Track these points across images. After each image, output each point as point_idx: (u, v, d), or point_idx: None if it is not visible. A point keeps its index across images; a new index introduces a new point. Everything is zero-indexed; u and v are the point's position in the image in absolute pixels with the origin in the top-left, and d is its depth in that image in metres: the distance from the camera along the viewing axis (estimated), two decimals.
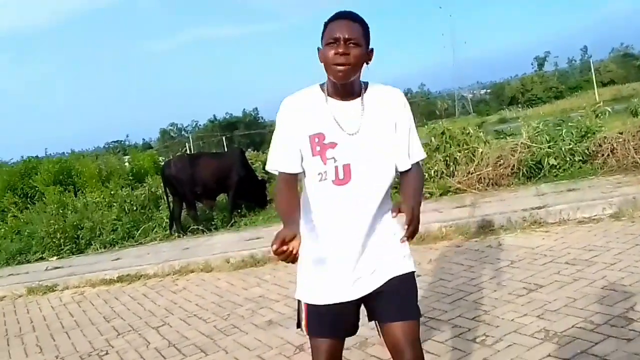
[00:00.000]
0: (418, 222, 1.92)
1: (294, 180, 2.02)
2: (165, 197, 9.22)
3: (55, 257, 9.23)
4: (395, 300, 2.03)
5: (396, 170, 2.05)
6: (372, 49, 1.97)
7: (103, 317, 5.52)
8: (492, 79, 67.40)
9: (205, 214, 9.30)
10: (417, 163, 2.07)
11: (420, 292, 4.23)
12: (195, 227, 8.74)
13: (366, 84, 2.03)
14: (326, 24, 1.94)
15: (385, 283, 2.02)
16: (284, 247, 1.75)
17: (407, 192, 2.02)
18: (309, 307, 2.07)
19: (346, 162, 1.94)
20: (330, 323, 2.05)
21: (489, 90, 63.36)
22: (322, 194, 1.99)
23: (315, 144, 1.96)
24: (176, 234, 8.76)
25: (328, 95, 1.99)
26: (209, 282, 6.07)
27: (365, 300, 2.06)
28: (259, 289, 5.38)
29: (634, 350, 2.84)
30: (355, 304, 2.06)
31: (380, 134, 1.98)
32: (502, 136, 9.07)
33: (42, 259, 9.38)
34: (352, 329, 2.14)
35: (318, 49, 1.97)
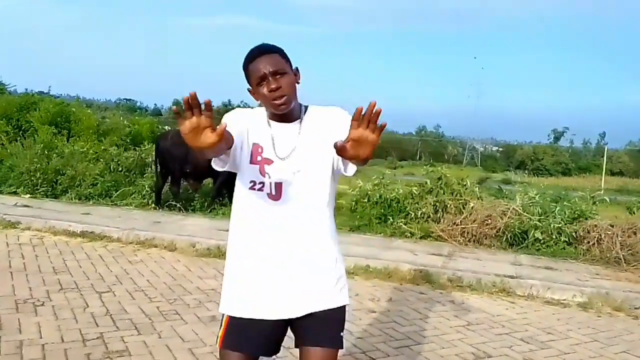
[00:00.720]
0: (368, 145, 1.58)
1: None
2: (154, 167, 9.10)
3: (28, 195, 9.13)
4: (318, 327, 1.96)
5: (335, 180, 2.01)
6: (296, 68, 1.96)
7: (52, 267, 5.40)
8: (506, 139, 67.65)
9: (186, 194, 9.19)
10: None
11: (370, 330, 4.17)
12: (174, 203, 8.63)
13: (306, 107, 2.02)
14: (246, 66, 1.92)
15: (316, 312, 1.94)
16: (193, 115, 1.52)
17: None
18: (231, 319, 1.98)
19: (278, 181, 1.94)
20: (248, 338, 1.96)
21: (500, 149, 63.57)
22: (256, 204, 1.95)
23: (257, 153, 1.96)
24: (153, 206, 8.64)
25: (269, 118, 1.99)
26: (168, 261, 5.94)
27: (291, 322, 1.97)
28: (214, 281, 5.26)
29: None
30: (279, 325, 1.97)
31: (314, 156, 1.95)
32: (500, 196, 8.97)
33: (15, 193, 9.26)
34: (269, 350, 2.02)
35: (248, 90, 1.96)
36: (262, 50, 1.91)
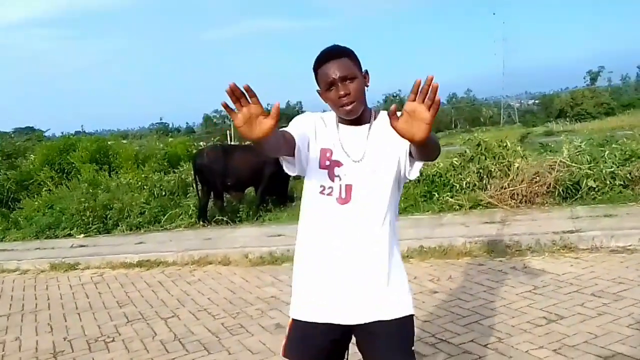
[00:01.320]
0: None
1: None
2: (194, 186, 9.23)
3: (82, 235, 9.37)
4: (388, 343, 1.90)
5: (401, 184, 2.00)
6: (366, 71, 1.95)
7: (116, 301, 5.53)
8: (541, 90, 65.91)
9: (231, 206, 9.28)
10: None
11: (434, 311, 4.11)
12: (220, 217, 8.73)
13: (377, 112, 2.02)
14: (316, 69, 1.92)
15: (382, 321, 1.89)
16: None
17: None
18: (295, 324, 1.96)
19: (349, 183, 1.92)
20: (312, 346, 1.93)
21: (537, 101, 62.18)
22: (325, 209, 1.94)
23: (326, 158, 1.95)
24: (201, 223, 8.76)
25: (339, 122, 1.99)
26: (224, 276, 6.01)
27: (357, 331, 1.93)
28: (273, 288, 5.30)
29: None
30: (344, 332, 1.93)
31: (382, 161, 1.93)
32: (544, 150, 8.72)
33: (69, 235, 9.53)
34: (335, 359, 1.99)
35: (318, 91, 1.96)
36: (332, 54, 1.90)
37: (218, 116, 64.69)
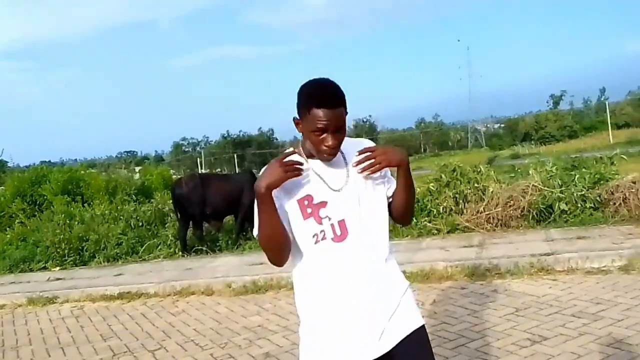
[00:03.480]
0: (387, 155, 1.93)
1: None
2: (175, 215, 9.20)
3: (58, 268, 9.22)
4: (410, 354, 1.92)
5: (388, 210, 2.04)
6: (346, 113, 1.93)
7: (100, 335, 5.48)
8: (506, 114, 67.44)
9: (210, 235, 9.27)
10: None
11: None
12: (200, 247, 8.72)
13: None
14: (307, 104, 1.85)
15: (399, 344, 1.91)
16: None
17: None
18: None
19: (340, 218, 1.91)
20: None
21: (502, 125, 63.42)
22: (322, 254, 1.91)
23: (305, 207, 1.91)
24: (180, 254, 8.73)
25: (307, 156, 1.96)
26: (208, 306, 6.01)
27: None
28: (259, 317, 5.32)
29: None
30: None
31: (365, 185, 1.96)
32: (515, 173, 8.96)
33: (45, 268, 9.38)
34: None
35: (294, 120, 1.92)
36: (332, 102, 1.85)
37: (187, 143, 64.33)
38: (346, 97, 1.90)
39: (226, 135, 57.59)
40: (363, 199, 1.94)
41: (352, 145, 1.99)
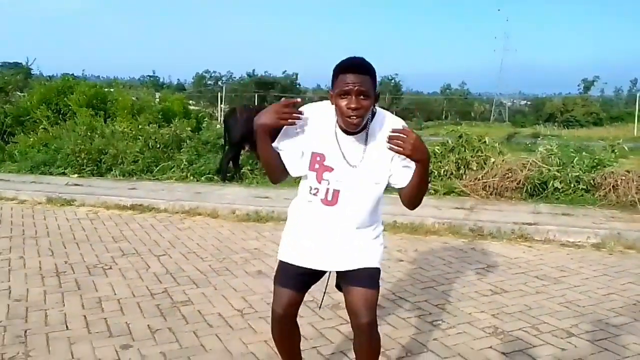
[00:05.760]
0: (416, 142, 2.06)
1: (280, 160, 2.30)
2: (224, 141, 9.51)
3: (76, 175, 9.79)
4: (359, 274, 2.33)
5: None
6: (378, 93, 2.15)
7: (112, 237, 6.02)
8: (534, 92, 66.56)
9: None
10: None
11: (397, 275, 4.70)
12: (234, 172, 9.28)
13: (374, 113, 2.20)
14: (337, 72, 2.10)
15: (352, 269, 2.31)
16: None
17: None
18: (281, 263, 2.43)
19: (337, 188, 2.22)
20: (293, 278, 2.39)
21: (529, 102, 62.65)
22: (310, 205, 2.29)
23: (316, 162, 2.22)
24: (222, 176, 9.18)
25: (338, 125, 2.20)
26: (212, 227, 6.53)
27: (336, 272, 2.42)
28: (257, 242, 5.83)
29: (566, 358, 3.22)
30: (318, 272, 2.40)
31: (377, 167, 2.20)
32: (527, 149, 9.24)
33: (64, 174, 9.95)
34: (309, 286, 2.45)
35: (329, 93, 2.16)
36: (358, 68, 2.08)
37: (210, 76, 64.21)
38: (376, 75, 2.13)
39: (251, 73, 57.36)
40: (365, 180, 2.21)
41: (381, 123, 2.21)
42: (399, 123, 2.21)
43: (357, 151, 2.20)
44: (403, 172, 2.20)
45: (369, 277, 2.33)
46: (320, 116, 2.24)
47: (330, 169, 2.20)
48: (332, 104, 2.15)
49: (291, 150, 2.27)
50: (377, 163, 2.20)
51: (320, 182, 2.23)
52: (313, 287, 2.48)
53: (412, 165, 2.14)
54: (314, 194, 2.25)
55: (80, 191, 8.28)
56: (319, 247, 2.33)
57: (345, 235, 2.30)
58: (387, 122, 2.22)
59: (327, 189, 2.22)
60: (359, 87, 2.05)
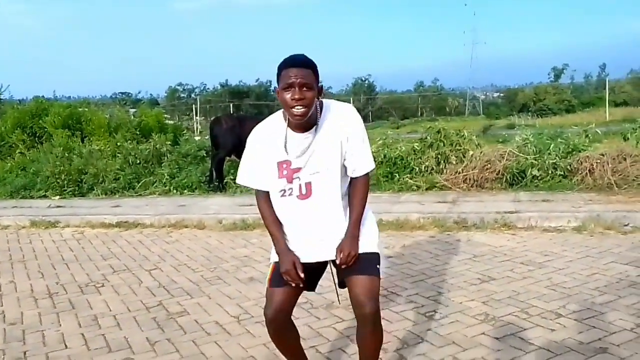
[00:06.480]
0: (354, 247, 2.41)
1: (267, 193, 2.47)
2: (212, 151, 9.68)
3: (57, 197, 9.74)
4: (357, 262, 2.43)
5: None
6: (321, 86, 2.33)
7: (100, 255, 6.03)
8: (506, 84, 67.42)
9: (204, 177, 9.75)
10: (366, 174, 2.46)
11: (387, 271, 4.77)
12: (216, 182, 9.31)
13: (321, 104, 2.38)
14: (281, 69, 2.25)
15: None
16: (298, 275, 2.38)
17: (352, 202, 2.45)
18: (276, 264, 2.49)
19: (308, 181, 2.37)
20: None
21: (501, 94, 63.38)
22: (287, 206, 2.41)
23: (283, 169, 2.38)
24: (212, 185, 9.26)
25: (288, 126, 2.37)
26: (200, 238, 6.57)
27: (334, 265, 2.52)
28: (246, 249, 5.88)
29: (556, 339, 3.33)
30: (314, 267, 2.50)
31: (329, 155, 2.36)
32: (503, 141, 9.43)
33: (45, 196, 9.90)
34: (306, 287, 2.52)
35: (275, 89, 2.32)
36: (299, 63, 2.24)
37: (183, 89, 63.88)
38: (317, 69, 2.28)
39: (224, 83, 57.25)
40: (327, 167, 2.36)
41: (330, 112, 2.39)
42: (346, 109, 2.43)
43: (304, 150, 2.36)
44: (351, 160, 2.41)
45: (367, 262, 2.44)
46: (271, 130, 2.41)
47: (298, 170, 2.36)
48: (279, 101, 2.27)
49: (265, 178, 2.43)
50: (327, 153, 2.35)
51: (292, 182, 2.37)
52: (312, 288, 2.57)
53: (361, 151, 2.41)
54: (289, 195, 2.38)
55: (63, 212, 8.25)
56: (309, 240, 2.44)
57: (330, 222, 2.42)
58: (333, 110, 2.40)
59: (300, 185, 2.37)
60: (301, 80, 2.19)
